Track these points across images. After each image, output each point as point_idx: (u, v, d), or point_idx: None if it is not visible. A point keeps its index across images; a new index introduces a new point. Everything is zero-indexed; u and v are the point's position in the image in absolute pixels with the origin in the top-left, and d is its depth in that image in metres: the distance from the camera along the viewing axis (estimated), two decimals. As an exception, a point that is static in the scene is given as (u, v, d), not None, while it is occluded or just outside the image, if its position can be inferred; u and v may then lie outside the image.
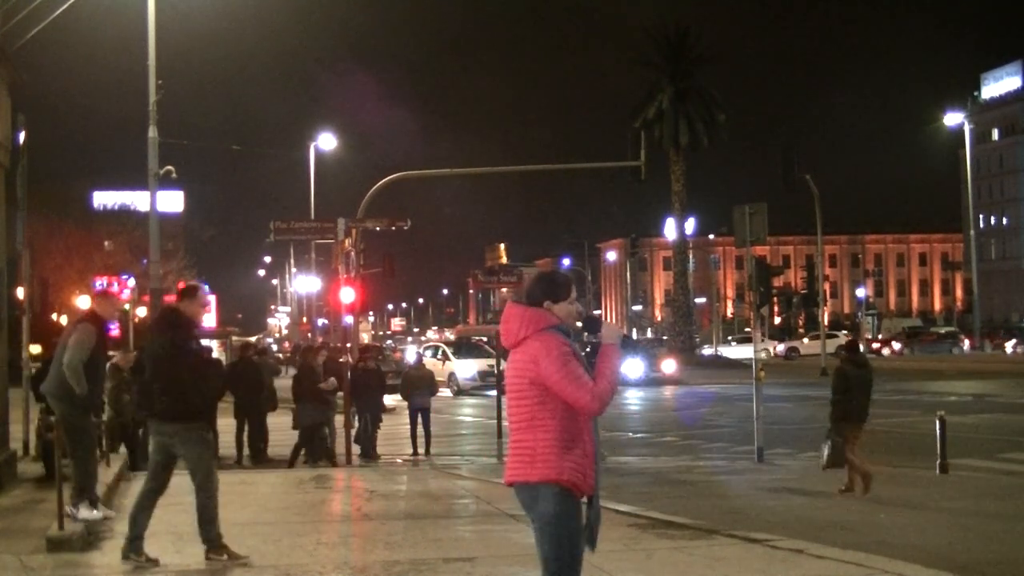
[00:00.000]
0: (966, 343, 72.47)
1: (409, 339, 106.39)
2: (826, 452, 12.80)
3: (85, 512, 9.36)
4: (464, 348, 41.17)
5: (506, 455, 5.10)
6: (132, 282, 52.41)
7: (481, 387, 35.55)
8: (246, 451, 17.74)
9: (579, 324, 5.23)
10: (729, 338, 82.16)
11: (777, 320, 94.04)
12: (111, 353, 12.68)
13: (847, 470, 12.84)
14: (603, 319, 5.29)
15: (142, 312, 48.59)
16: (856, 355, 13.75)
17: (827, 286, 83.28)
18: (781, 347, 71.37)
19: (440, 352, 40.17)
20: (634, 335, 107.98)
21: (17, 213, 15.01)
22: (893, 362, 59.71)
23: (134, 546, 8.25)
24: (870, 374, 13.25)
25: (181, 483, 13.59)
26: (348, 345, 22.85)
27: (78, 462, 9.55)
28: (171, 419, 8.38)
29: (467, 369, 37.41)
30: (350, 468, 15.90)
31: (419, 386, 18.75)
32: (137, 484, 13.40)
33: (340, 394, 17.09)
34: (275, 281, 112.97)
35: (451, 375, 37.31)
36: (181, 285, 9.01)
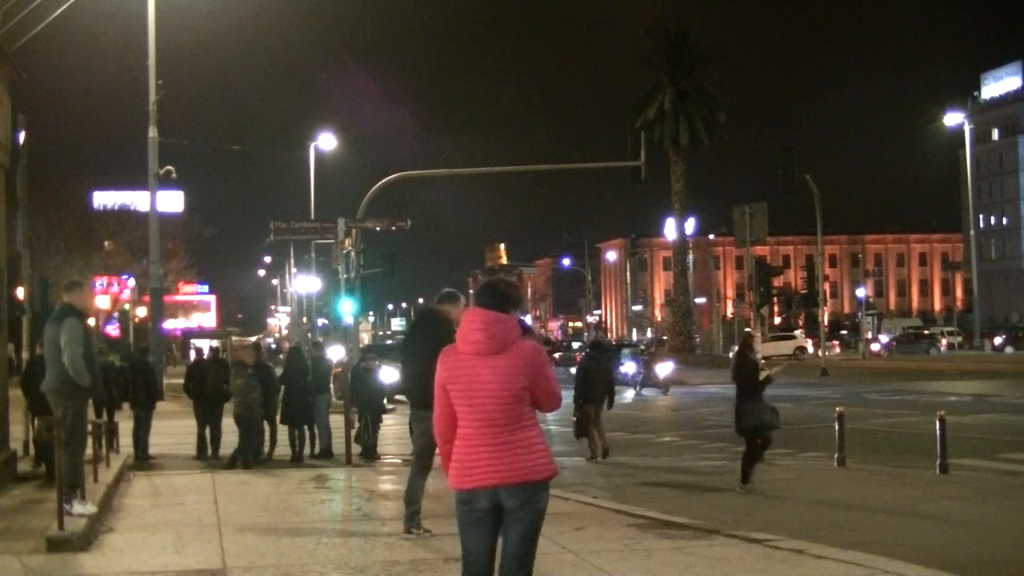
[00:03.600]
0: (943, 343, 72.51)
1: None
2: (574, 426, 17.00)
3: (80, 507, 9.40)
4: None
5: (476, 457, 5.03)
6: (132, 282, 52.49)
7: None
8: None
9: None
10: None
11: (777, 320, 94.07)
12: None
13: (588, 442, 16.67)
14: (531, 325, 5.69)
15: (142, 312, 48.64)
16: (597, 352, 18.52)
17: (827, 286, 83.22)
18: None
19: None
20: (634, 335, 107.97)
21: (17, 213, 15.04)
22: (872, 362, 59.71)
23: (415, 521, 9.34)
24: (608, 368, 18.11)
25: (182, 483, 13.63)
26: (348, 345, 22.90)
27: (70, 457, 9.58)
28: (423, 406, 9.26)
29: None
30: (350, 468, 15.89)
31: None
32: (138, 483, 13.44)
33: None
34: (275, 281, 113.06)
35: None
36: (445, 290, 9.83)
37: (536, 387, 5.05)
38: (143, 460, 16.90)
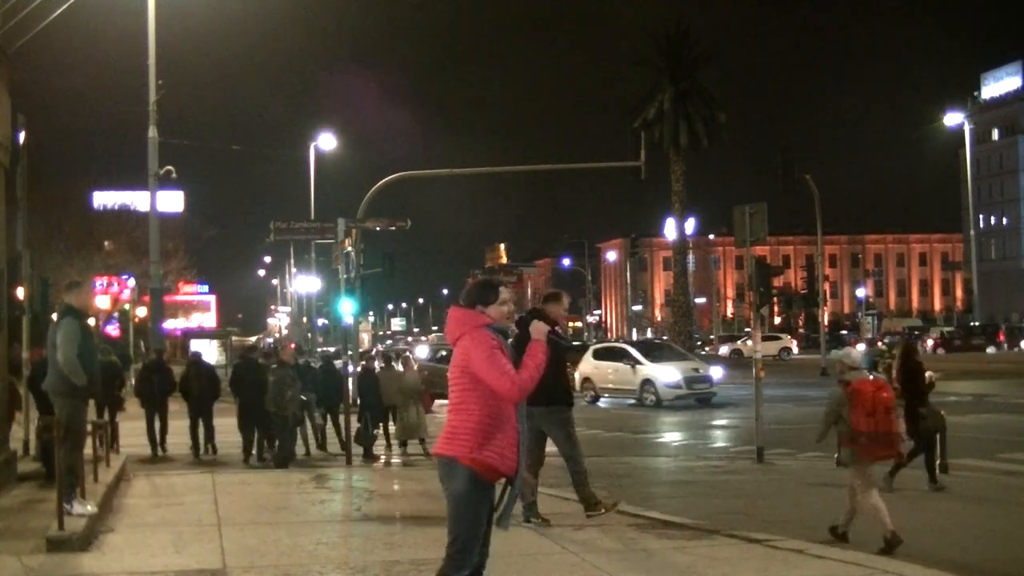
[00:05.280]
0: (929, 343, 72.56)
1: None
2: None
3: (79, 507, 9.39)
4: (655, 350, 33.76)
5: None
6: (132, 282, 52.40)
7: (688, 395, 29.59)
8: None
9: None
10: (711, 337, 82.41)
11: (777, 320, 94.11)
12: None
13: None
14: (533, 319, 5.88)
15: (142, 312, 48.55)
16: (388, 365, 19.48)
17: (827, 286, 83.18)
18: (725, 348, 71.68)
19: (626, 356, 31.46)
20: (634, 335, 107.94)
21: (17, 213, 15.02)
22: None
23: (532, 511, 9.87)
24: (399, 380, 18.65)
25: (182, 483, 13.62)
26: (348, 347, 22.89)
27: (67, 456, 9.58)
28: (536, 403, 9.66)
29: (669, 374, 29.83)
30: (350, 468, 15.90)
31: (390, 387, 18.86)
32: (138, 483, 13.43)
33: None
34: (275, 281, 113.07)
35: (645, 382, 29.86)
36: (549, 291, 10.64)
37: (478, 375, 5.37)
38: (159, 457, 17.40)
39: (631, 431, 22.84)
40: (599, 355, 32.79)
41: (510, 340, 5.73)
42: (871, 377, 9.64)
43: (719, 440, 20.80)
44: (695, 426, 23.83)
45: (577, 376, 31.44)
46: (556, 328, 10.04)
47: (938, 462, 13.31)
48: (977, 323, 75.95)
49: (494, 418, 5.38)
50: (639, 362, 30.54)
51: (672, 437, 21.67)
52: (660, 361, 30.91)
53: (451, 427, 5.48)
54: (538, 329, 5.63)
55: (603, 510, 9.86)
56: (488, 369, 5.35)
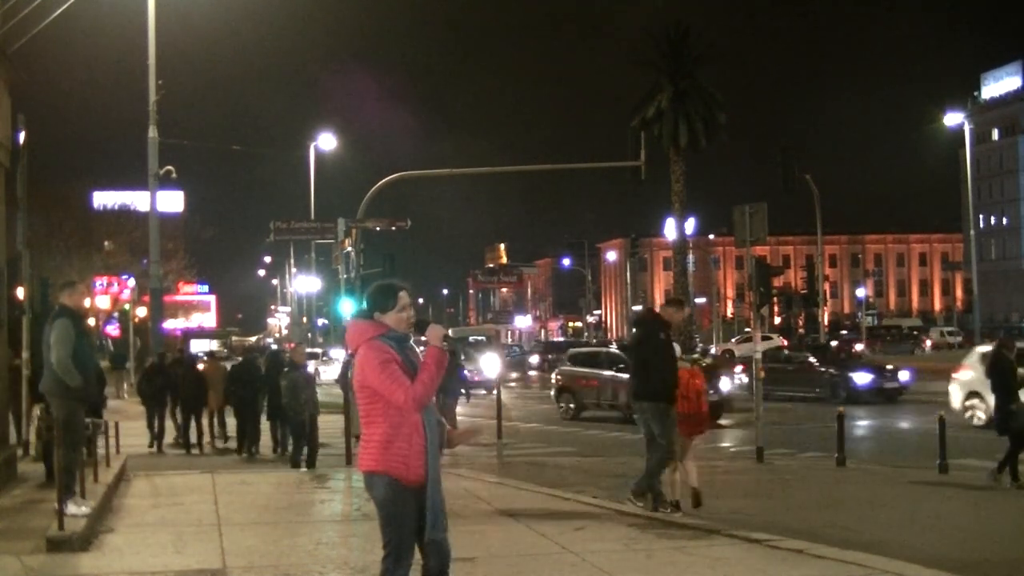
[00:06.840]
0: (928, 343, 72.53)
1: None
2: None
3: (73, 508, 9.37)
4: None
5: None
6: (132, 282, 52.41)
7: None
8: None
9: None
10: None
11: (777, 320, 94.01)
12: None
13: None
14: (431, 322, 5.71)
15: (142, 312, 48.56)
16: (454, 357, 18.63)
17: (827, 286, 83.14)
18: (713, 349, 71.70)
19: (978, 355, 22.49)
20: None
21: (17, 213, 15.03)
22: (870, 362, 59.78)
23: (658, 501, 10.55)
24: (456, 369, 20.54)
25: (182, 483, 13.63)
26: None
27: (64, 456, 9.57)
28: (641, 398, 10.60)
29: None
30: (350, 468, 15.90)
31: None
32: (138, 483, 13.44)
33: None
34: (275, 281, 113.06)
35: None
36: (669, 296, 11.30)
37: (376, 390, 5.39)
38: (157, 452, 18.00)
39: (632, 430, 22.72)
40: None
41: (421, 349, 5.59)
42: (689, 367, 10.99)
43: (718, 440, 20.78)
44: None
45: (955, 391, 23.58)
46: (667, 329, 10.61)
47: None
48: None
49: (397, 428, 5.38)
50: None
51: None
52: None
53: (363, 439, 5.52)
54: (434, 335, 5.49)
55: (641, 505, 10.36)
56: (382, 383, 5.36)
